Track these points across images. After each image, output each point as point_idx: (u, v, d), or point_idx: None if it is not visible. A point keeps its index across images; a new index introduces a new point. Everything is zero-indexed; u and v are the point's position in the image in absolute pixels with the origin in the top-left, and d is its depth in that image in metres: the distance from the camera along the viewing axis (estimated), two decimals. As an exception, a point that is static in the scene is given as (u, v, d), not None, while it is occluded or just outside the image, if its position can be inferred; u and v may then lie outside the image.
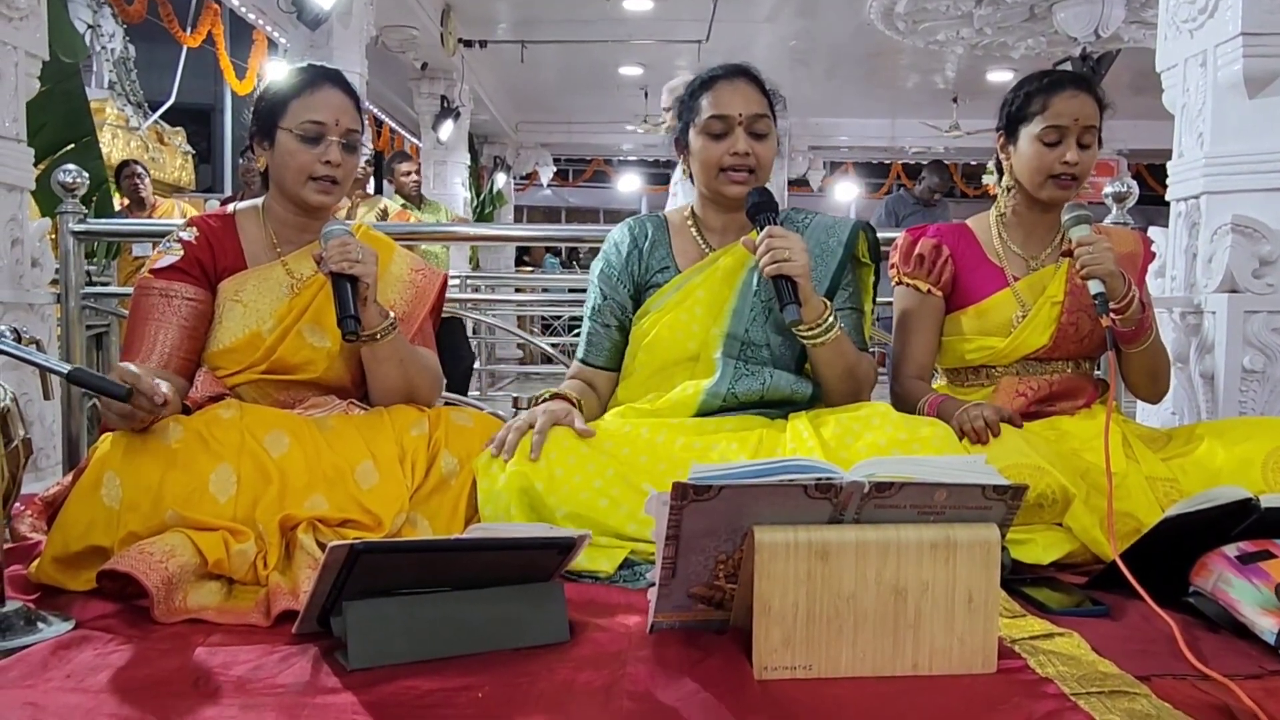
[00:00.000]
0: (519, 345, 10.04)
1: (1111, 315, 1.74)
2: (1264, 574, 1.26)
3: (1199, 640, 1.23)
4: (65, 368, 1.36)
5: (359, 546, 1.10)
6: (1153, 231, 2.72)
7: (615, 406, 1.87)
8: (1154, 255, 2.22)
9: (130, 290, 1.90)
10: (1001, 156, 1.98)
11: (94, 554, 1.39)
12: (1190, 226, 2.62)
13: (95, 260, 4.54)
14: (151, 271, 1.75)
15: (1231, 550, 1.32)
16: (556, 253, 15.58)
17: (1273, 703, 1.03)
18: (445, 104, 9.34)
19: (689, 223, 1.93)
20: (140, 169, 6.11)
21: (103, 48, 7.03)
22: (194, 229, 1.79)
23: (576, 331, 2.48)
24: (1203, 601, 1.32)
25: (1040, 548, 1.56)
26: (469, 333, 6.05)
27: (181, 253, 1.75)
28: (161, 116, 7.77)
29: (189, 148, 8.15)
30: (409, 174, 5.71)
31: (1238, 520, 1.35)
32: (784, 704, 1.06)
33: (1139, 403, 2.12)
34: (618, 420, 1.77)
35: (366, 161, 5.37)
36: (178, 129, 8.06)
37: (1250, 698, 1.03)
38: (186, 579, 1.34)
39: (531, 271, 12.50)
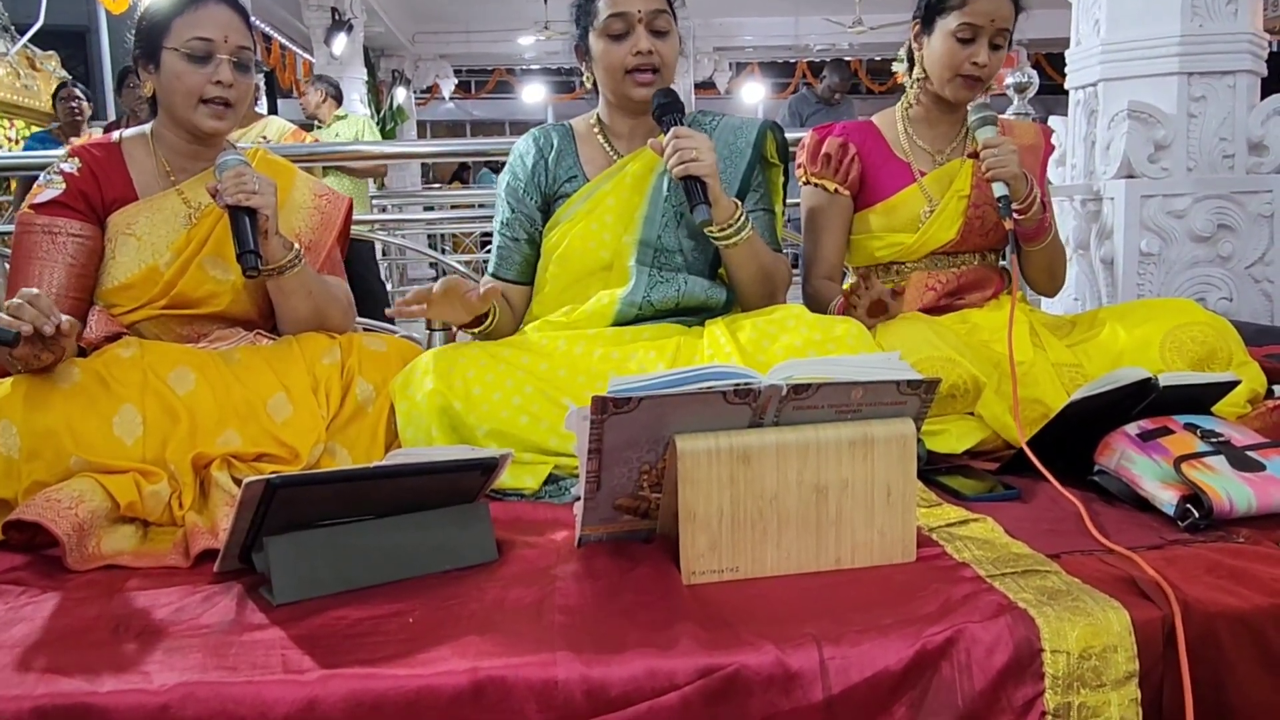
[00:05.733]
0: (431, 265, 9.86)
1: (1014, 217, 1.78)
2: (1163, 449, 1.32)
3: (1104, 516, 1.29)
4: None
5: (275, 481, 1.08)
6: (1052, 120, 2.76)
7: (531, 321, 1.85)
8: (1054, 148, 2.25)
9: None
10: (914, 46, 1.97)
11: (-5, 506, 1.34)
12: (1089, 114, 2.66)
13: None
14: (32, 207, 1.65)
15: (1133, 429, 1.38)
16: (496, 170, 14.90)
17: (1173, 570, 1.09)
18: (336, 16, 8.94)
19: (595, 130, 1.90)
20: (80, 90, 5.35)
21: (-45, -34, 6.53)
22: (76, 159, 1.68)
23: (488, 248, 2.44)
24: (1107, 479, 1.38)
25: (954, 437, 1.61)
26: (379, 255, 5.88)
27: (64, 185, 1.65)
28: (31, 40, 7.29)
29: (64, 73, 7.68)
30: (313, 101, 5.45)
31: (1138, 400, 1.40)
32: (713, 606, 1.07)
33: (1043, 291, 2.17)
34: (534, 335, 1.75)
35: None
36: (50, 53, 7.58)
37: (1152, 567, 1.08)
38: (99, 524, 1.30)
39: (449, 188, 12.00)
